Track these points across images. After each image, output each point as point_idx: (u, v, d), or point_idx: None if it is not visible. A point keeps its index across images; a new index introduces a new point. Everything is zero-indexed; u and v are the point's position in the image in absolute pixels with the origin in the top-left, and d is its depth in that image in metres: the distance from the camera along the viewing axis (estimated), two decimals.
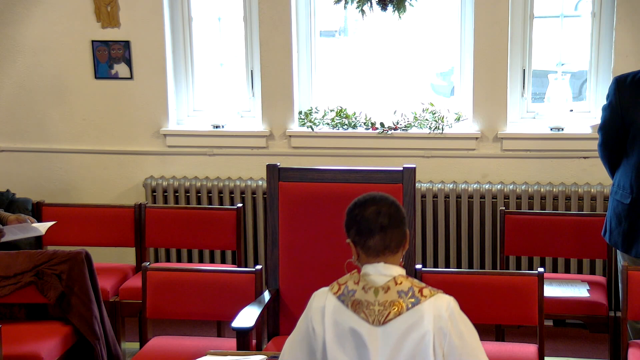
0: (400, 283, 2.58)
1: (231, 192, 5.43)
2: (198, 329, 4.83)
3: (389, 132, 5.31)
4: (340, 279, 2.64)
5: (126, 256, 5.17)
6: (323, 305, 2.59)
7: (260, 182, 5.38)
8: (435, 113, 5.31)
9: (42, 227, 4.25)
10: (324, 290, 2.65)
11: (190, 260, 5.55)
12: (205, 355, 3.23)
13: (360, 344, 2.52)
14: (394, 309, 2.54)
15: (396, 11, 5.00)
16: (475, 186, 5.20)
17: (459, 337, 2.53)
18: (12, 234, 4.20)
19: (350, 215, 2.65)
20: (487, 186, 5.19)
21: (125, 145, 5.65)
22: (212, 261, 5.50)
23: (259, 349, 3.88)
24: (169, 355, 3.78)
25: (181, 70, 5.61)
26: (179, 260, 5.56)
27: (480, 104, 5.21)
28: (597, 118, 5.03)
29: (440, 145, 5.28)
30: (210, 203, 5.45)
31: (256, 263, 5.44)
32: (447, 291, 3.81)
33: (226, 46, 5.66)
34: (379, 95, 5.81)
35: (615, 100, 3.98)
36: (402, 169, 3.91)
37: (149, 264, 4.03)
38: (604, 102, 4.11)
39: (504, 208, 4.77)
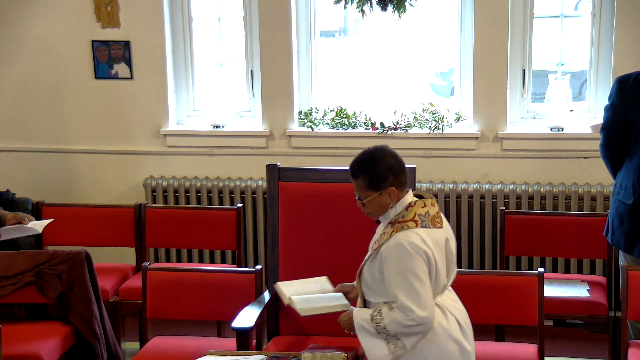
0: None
1: (231, 192, 5.42)
2: (198, 329, 4.83)
3: (389, 132, 5.31)
4: (407, 218, 3.04)
5: (126, 256, 5.16)
6: (421, 239, 2.99)
7: (260, 182, 5.38)
8: (435, 113, 5.31)
9: (39, 226, 4.24)
10: (408, 234, 2.99)
11: (190, 260, 5.55)
12: (206, 355, 3.24)
13: (447, 248, 3.09)
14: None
15: (396, 11, 5.00)
16: (475, 186, 5.20)
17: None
18: (8, 234, 4.20)
19: (384, 165, 3.06)
20: (487, 186, 5.19)
21: (125, 145, 5.65)
22: (212, 261, 5.50)
23: (259, 349, 3.88)
24: (169, 355, 3.78)
25: (181, 70, 5.61)
26: (179, 260, 5.56)
27: (480, 104, 5.21)
28: (597, 118, 5.03)
29: (440, 145, 5.28)
30: (210, 203, 5.45)
31: (256, 263, 5.44)
32: None
33: (226, 46, 5.66)
34: (379, 95, 5.81)
35: (617, 100, 3.98)
36: None
37: (149, 264, 4.03)
38: (604, 102, 4.12)
39: (504, 208, 4.78)
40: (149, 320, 4.02)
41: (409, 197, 3.12)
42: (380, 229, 3.15)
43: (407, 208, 3.08)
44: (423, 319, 2.94)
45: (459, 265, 5.21)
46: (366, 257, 3.12)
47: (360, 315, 3.08)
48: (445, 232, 3.11)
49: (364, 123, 5.38)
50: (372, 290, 3.10)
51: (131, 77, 5.56)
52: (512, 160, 5.23)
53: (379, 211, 3.11)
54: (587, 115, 5.22)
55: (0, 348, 3.58)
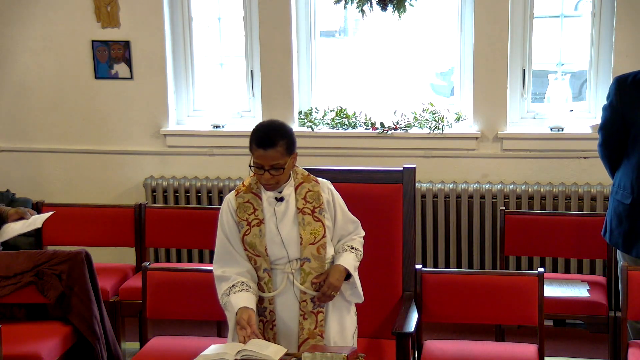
0: None
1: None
2: (198, 329, 4.83)
3: (389, 132, 5.31)
4: (305, 174, 3.44)
5: (126, 256, 5.16)
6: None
7: None
8: (435, 113, 5.31)
9: (40, 220, 4.24)
10: (323, 180, 3.48)
11: (190, 260, 5.55)
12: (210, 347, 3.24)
13: None
14: None
15: (396, 11, 5.00)
16: (475, 186, 5.20)
17: None
18: (10, 234, 4.20)
19: (291, 129, 3.30)
20: (487, 186, 5.19)
21: (125, 145, 5.65)
22: (212, 261, 5.48)
23: None
24: (169, 355, 3.78)
25: (181, 70, 5.61)
26: (179, 260, 5.56)
27: (480, 104, 5.21)
28: (597, 118, 5.03)
29: (440, 145, 5.28)
30: (210, 203, 5.45)
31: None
32: (448, 291, 3.86)
33: (226, 46, 5.66)
34: (379, 95, 5.81)
35: (615, 100, 3.98)
36: (402, 169, 3.91)
37: (149, 264, 4.03)
38: (604, 102, 4.11)
39: (504, 208, 4.77)
40: (149, 320, 4.01)
41: None
42: (285, 204, 3.31)
43: (294, 171, 3.38)
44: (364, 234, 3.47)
45: (460, 265, 5.24)
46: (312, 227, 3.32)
47: (346, 260, 3.34)
48: None
49: (364, 123, 5.38)
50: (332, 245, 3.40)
51: (131, 77, 5.56)
52: (512, 160, 5.23)
53: (287, 178, 3.31)
54: (587, 115, 5.22)
55: (0, 348, 3.58)
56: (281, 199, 3.31)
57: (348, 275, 3.35)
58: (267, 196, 3.33)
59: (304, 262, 3.30)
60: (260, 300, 3.34)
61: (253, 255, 3.33)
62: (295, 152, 3.31)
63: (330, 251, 3.36)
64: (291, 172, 3.36)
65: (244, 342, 3.14)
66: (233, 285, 3.30)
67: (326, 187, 3.41)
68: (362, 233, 3.48)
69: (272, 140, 3.20)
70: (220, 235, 3.40)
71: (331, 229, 3.39)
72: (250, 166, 3.26)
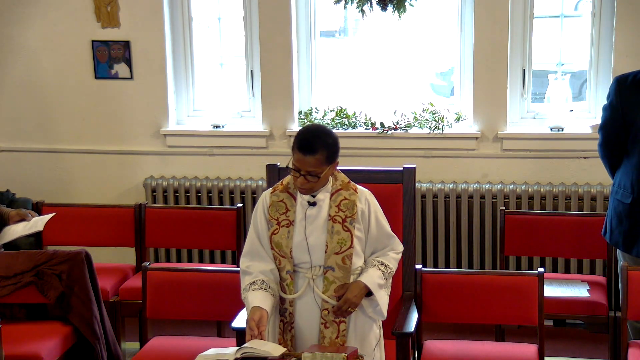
0: None
1: (231, 192, 5.43)
2: (198, 329, 4.83)
3: (389, 132, 5.31)
4: (346, 181, 3.38)
5: (126, 256, 5.16)
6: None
7: (260, 182, 5.38)
8: (435, 113, 5.31)
9: (41, 222, 4.24)
10: (361, 189, 3.40)
11: (190, 260, 5.55)
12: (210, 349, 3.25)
13: None
14: None
15: (396, 11, 5.00)
16: (475, 186, 5.20)
17: None
18: (11, 235, 4.20)
19: (335, 138, 3.25)
20: (487, 186, 5.19)
21: (125, 145, 5.65)
22: (212, 261, 5.50)
23: None
24: (169, 355, 3.78)
25: (181, 70, 5.61)
26: (179, 260, 5.56)
27: (480, 104, 5.21)
28: (597, 118, 5.03)
29: (440, 145, 5.28)
30: (210, 203, 5.45)
31: None
32: (448, 291, 3.85)
33: (226, 46, 5.66)
34: (379, 95, 5.81)
35: (615, 100, 3.98)
36: (402, 169, 3.91)
37: (149, 264, 4.03)
38: (604, 102, 4.11)
39: (504, 208, 4.77)
40: (149, 320, 4.02)
41: None
42: (317, 209, 3.28)
43: (334, 176, 3.35)
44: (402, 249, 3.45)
45: (460, 265, 5.24)
46: (341, 237, 3.27)
47: (370, 277, 3.27)
48: None
49: (364, 123, 5.38)
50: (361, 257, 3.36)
51: (131, 77, 5.56)
52: (512, 160, 5.23)
53: (322, 184, 3.27)
54: (587, 115, 5.22)
55: (1, 347, 3.58)
56: (314, 204, 3.29)
57: (371, 292, 3.30)
58: (302, 199, 3.30)
59: (327, 270, 3.28)
60: (281, 301, 3.34)
61: (278, 255, 3.32)
62: (336, 161, 3.27)
63: (358, 262, 3.32)
64: (330, 177, 3.32)
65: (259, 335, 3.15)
66: (253, 282, 3.29)
67: (364, 196, 3.34)
68: (399, 249, 3.42)
69: (313, 147, 3.16)
70: (251, 230, 3.38)
71: (363, 240, 3.33)
72: (287, 167, 3.24)
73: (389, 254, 3.37)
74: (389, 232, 3.39)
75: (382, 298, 3.32)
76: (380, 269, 3.31)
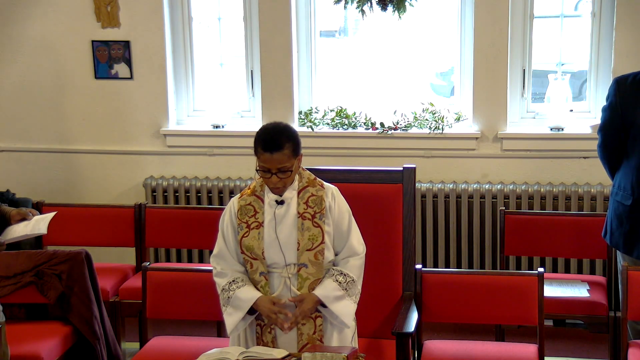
0: None
1: (231, 192, 5.42)
2: (198, 329, 4.83)
3: (389, 132, 5.31)
4: (311, 178, 3.39)
5: (126, 256, 5.16)
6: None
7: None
8: (435, 113, 5.31)
9: (43, 224, 4.23)
10: (328, 185, 3.41)
11: (190, 260, 5.55)
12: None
13: None
14: None
15: (396, 11, 5.00)
16: (475, 186, 5.20)
17: None
18: (13, 234, 4.19)
19: (295, 131, 3.30)
20: (487, 186, 5.19)
21: (125, 145, 5.65)
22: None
23: None
24: (169, 355, 3.78)
25: (181, 70, 5.61)
26: (179, 260, 5.56)
27: (480, 104, 5.21)
28: (597, 118, 5.03)
29: (440, 145, 5.28)
30: (210, 203, 5.45)
31: None
32: (447, 291, 3.86)
33: (226, 46, 5.66)
34: (379, 95, 5.81)
35: (615, 101, 3.98)
36: (402, 169, 3.91)
37: (149, 264, 4.03)
38: (604, 102, 4.11)
39: (504, 208, 4.78)
40: (149, 320, 4.02)
41: None
42: (286, 207, 3.27)
43: (300, 174, 3.34)
44: (364, 254, 3.36)
45: (460, 265, 5.24)
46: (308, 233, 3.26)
47: (324, 290, 3.24)
48: None
49: (364, 123, 5.38)
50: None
51: (131, 77, 5.56)
52: (512, 160, 5.23)
53: (293, 180, 3.29)
54: (587, 115, 5.22)
55: (7, 346, 3.57)
56: (281, 202, 3.30)
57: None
58: (269, 199, 3.31)
59: (300, 267, 3.28)
60: None
61: (250, 259, 3.31)
62: (300, 153, 3.29)
63: (329, 256, 3.32)
64: (296, 175, 3.34)
65: (289, 328, 3.20)
66: (234, 280, 3.30)
67: (330, 192, 3.35)
68: (359, 251, 3.35)
69: (278, 143, 3.18)
70: (219, 235, 3.39)
71: (331, 234, 3.33)
72: (257, 170, 3.24)
73: (350, 261, 3.33)
74: (348, 232, 3.33)
75: (343, 309, 3.28)
76: (337, 280, 3.28)
